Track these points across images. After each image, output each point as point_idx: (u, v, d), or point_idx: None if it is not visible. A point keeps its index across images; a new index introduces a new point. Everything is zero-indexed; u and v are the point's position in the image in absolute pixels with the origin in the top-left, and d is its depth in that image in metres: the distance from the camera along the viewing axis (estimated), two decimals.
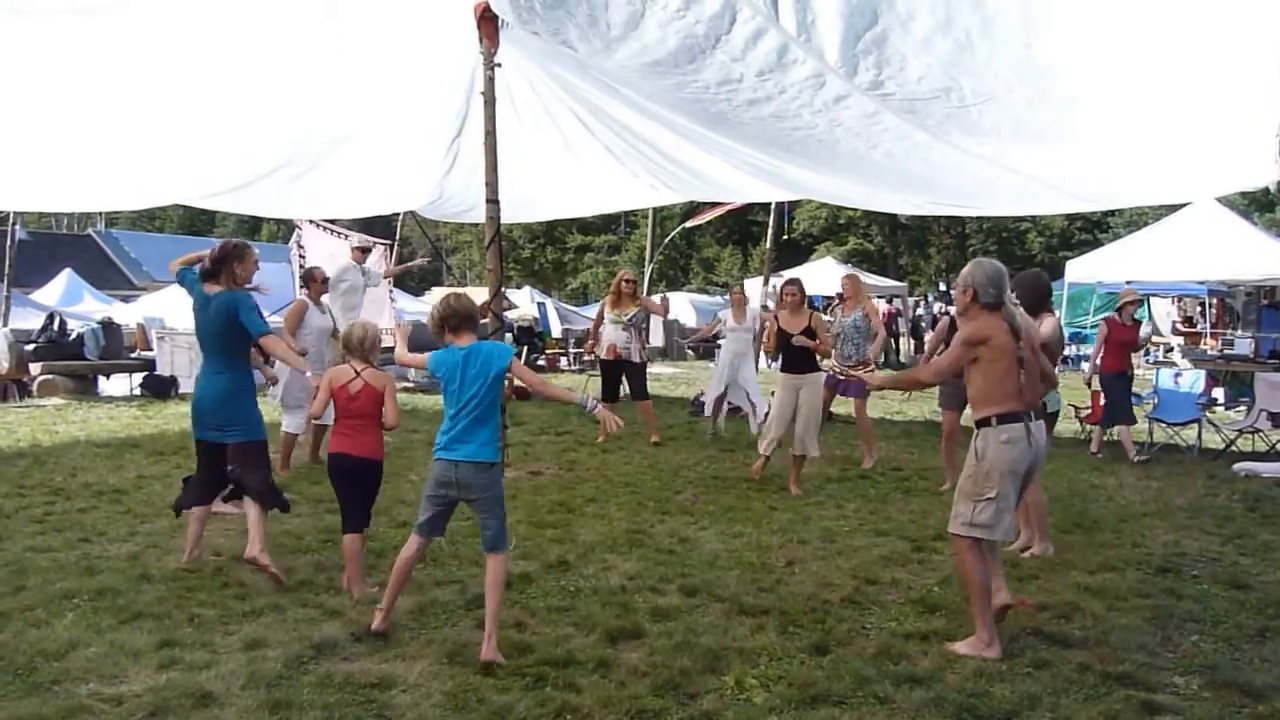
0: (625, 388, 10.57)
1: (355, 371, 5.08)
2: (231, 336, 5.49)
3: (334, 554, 5.75)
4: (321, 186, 11.04)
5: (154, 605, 4.80)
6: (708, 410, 10.88)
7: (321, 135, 9.57)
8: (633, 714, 3.71)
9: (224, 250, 5.61)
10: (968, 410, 4.76)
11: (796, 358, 7.89)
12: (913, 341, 26.86)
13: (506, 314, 20.73)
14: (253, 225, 54.64)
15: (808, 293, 9.04)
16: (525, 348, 20.50)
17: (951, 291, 27.58)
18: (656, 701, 3.81)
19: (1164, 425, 10.66)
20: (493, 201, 8.19)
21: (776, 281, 15.99)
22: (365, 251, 11.18)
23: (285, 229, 20.46)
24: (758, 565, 5.74)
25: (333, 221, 14.59)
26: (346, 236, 14.51)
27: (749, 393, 10.36)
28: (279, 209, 13.48)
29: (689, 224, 27.97)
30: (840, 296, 10.29)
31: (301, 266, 12.94)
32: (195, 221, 55.06)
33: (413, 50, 8.21)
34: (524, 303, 25.49)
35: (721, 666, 4.16)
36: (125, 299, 26.75)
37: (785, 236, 35.63)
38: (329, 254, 13.08)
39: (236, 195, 11.05)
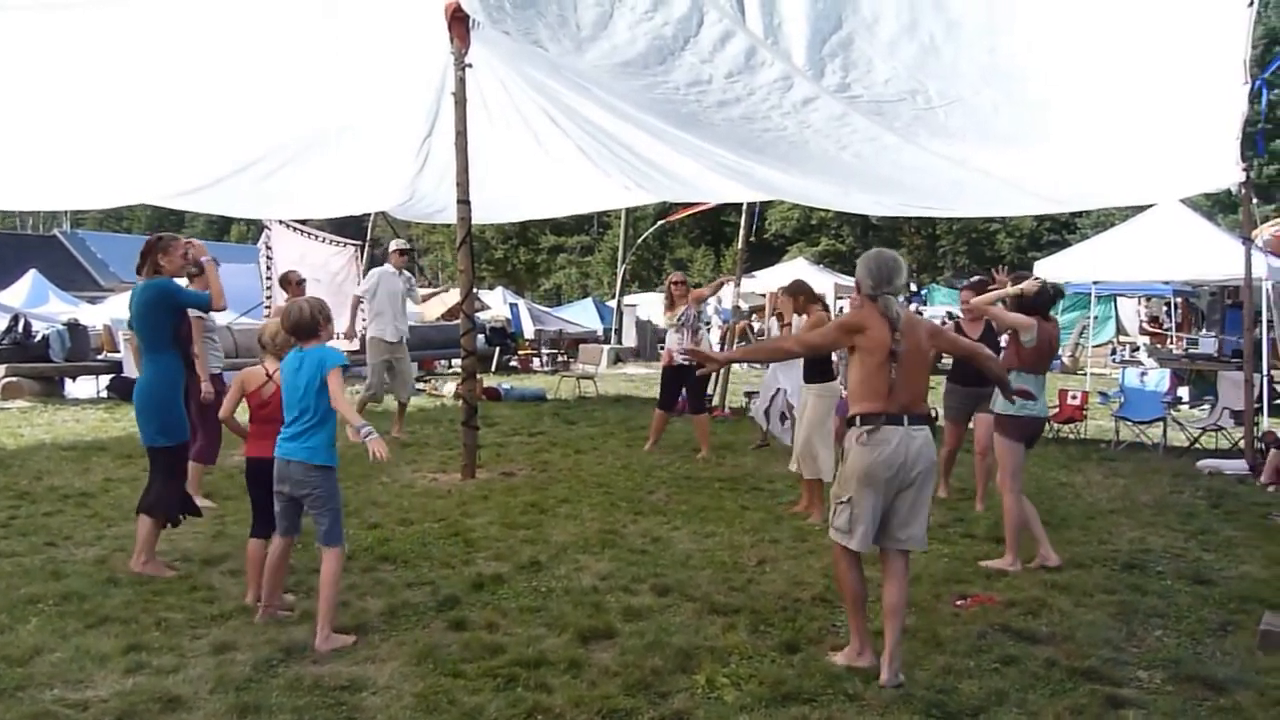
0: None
1: (267, 374, 4.86)
2: (148, 327, 5.40)
3: (302, 557, 5.69)
4: (291, 186, 10.94)
5: (121, 610, 4.75)
6: (759, 419, 9.79)
7: (291, 134, 9.50)
8: (604, 714, 3.72)
9: (147, 243, 5.57)
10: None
11: (807, 364, 7.20)
12: None
13: (479, 314, 20.75)
14: (222, 226, 54.18)
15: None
16: (498, 348, 20.46)
17: (922, 292, 27.59)
18: (628, 701, 3.82)
19: (1130, 424, 10.81)
20: (464, 202, 8.18)
21: (748, 282, 16.05)
22: (405, 254, 10.66)
23: (255, 230, 20.30)
24: (730, 565, 5.76)
25: (303, 222, 14.48)
26: (318, 238, 14.42)
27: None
28: (248, 209, 13.38)
29: (663, 222, 28.03)
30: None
31: (269, 267, 12.83)
32: (164, 222, 54.42)
33: (383, 50, 8.17)
34: (496, 303, 25.40)
35: (693, 665, 4.17)
36: (92, 300, 26.42)
37: (756, 237, 35.77)
38: (299, 254, 12.98)
39: (204, 195, 10.93)
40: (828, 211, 38.60)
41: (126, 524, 6.39)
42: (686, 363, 9.50)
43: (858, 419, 4.09)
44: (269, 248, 13.34)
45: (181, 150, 9.14)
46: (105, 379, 14.90)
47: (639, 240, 31.88)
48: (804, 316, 7.29)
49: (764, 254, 39.33)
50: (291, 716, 3.65)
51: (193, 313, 7.07)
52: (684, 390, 9.95)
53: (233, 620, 4.67)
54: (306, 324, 4.53)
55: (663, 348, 11.16)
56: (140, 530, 5.38)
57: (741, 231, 14.09)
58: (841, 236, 48.05)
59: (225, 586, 5.19)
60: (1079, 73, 5.44)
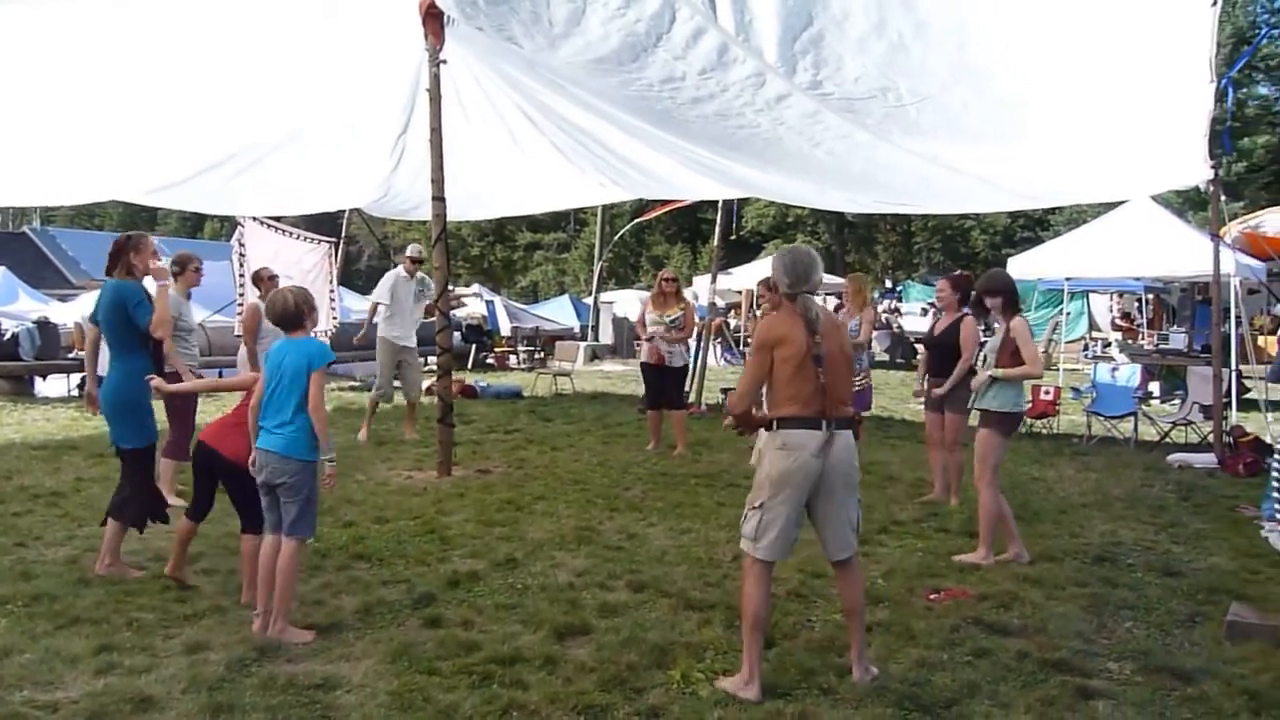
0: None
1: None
2: (116, 329, 5.34)
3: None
4: (264, 183, 10.85)
5: (92, 610, 4.70)
6: None
7: (264, 131, 9.42)
8: (580, 710, 3.73)
9: (117, 243, 5.51)
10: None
11: None
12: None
13: (455, 312, 20.67)
14: (195, 223, 53.65)
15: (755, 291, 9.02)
16: (474, 346, 20.39)
17: (898, 289, 27.75)
18: (603, 697, 3.82)
19: (1102, 419, 10.92)
20: (439, 199, 8.15)
21: (724, 279, 16.08)
22: (417, 262, 10.40)
23: (229, 227, 20.14)
24: (705, 560, 5.78)
25: (277, 219, 14.36)
26: (292, 234, 14.31)
27: None
28: (221, 206, 13.23)
29: (640, 219, 28.02)
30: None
31: (241, 265, 12.72)
32: (136, 219, 53.86)
33: (358, 46, 8.12)
34: (473, 301, 25.30)
35: (668, 661, 4.19)
36: (62, 298, 26.05)
37: (734, 235, 35.86)
38: (272, 251, 12.87)
39: (176, 191, 10.81)
40: (804, 209, 38.69)
41: (98, 524, 6.31)
42: (678, 365, 9.60)
43: (775, 423, 3.92)
44: (242, 245, 13.22)
45: (153, 146, 9.05)
46: (76, 377, 14.72)
47: (615, 237, 31.84)
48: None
49: (741, 251, 39.41)
50: (265, 716, 3.63)
51: (171, 308, 7.03)
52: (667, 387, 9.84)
53: (206, 619, 4.64)
54: (291, 314, 4.56)
55: (638, 344, 11.10)
56: (107, 532, 5.32)
57: (718, 229, 14.10)
58: (818, 234, 48.21)
59: (199, 585, 5.15)
60: (1047, 71, 5.50)
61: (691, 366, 11.73)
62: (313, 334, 4.66)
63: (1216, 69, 5.14)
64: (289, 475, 4.42)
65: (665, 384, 9.72)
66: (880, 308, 29.00)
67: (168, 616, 4.67)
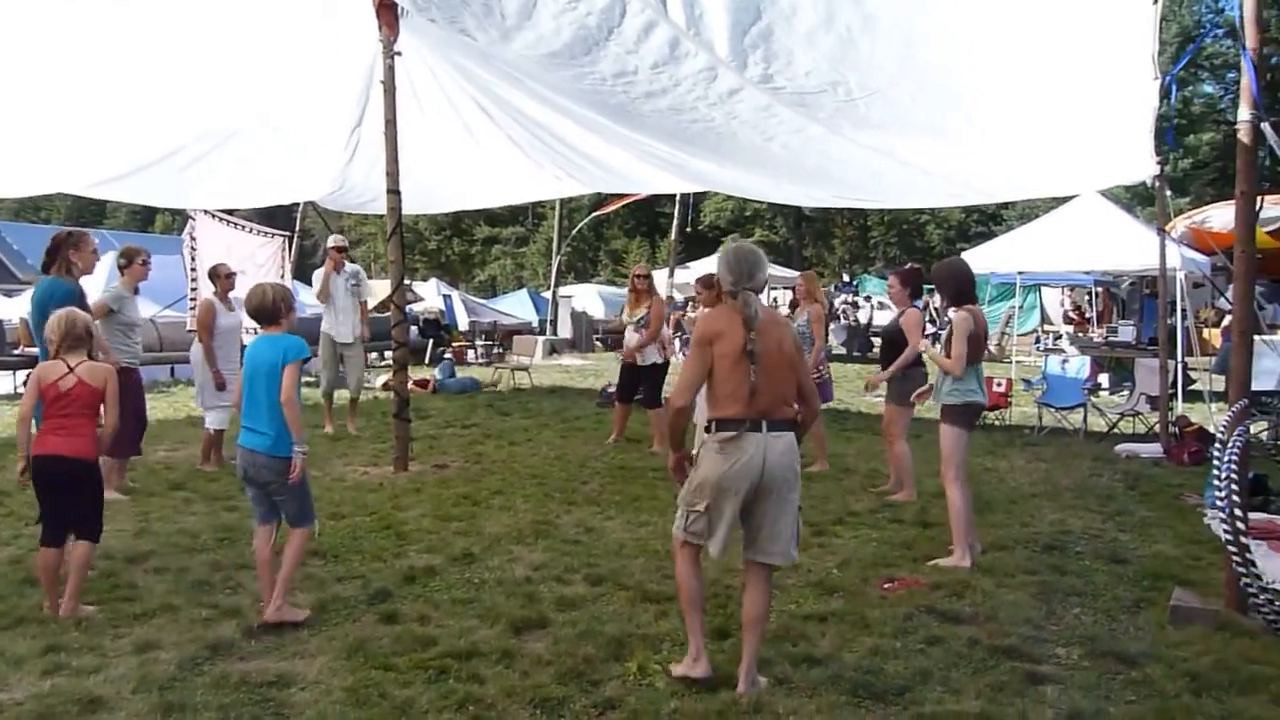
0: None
1: (68, 367, 4.60)
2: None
3: (230, 553, 5.65)
4: (216, 175, 10.68)
5: (38, 610, 4.61)
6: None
7: (215, 122, 9.28)
8: (536, 703, 3.73)
9: (55, 239, 5.39)
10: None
11: None
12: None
13: (411, 306, 20.50)
14: (146, 216, 52.69)
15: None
16: (431, 340, 20.25)
17: (854, 283, 27.94)
18: (560, 690, 3.83)
19: (1053, 410, 11.11)
20: (394, 192, 8.09)
21: (683, 274, 16.14)
22: (343, 251, 10.32)
23: (180, 220, 19.76)
24: (663, 553, 5.77)
25: (230, 212, 14.14)
26: (245, 228, 14.11)
27: None
28: (172, 199, 12.99)
29: (598, 213, 28.00)
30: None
31: (193, 259, 12.52)
32: (84, 212, 52.76)
33: (311, 36, 8.03)
34: (430, 295, 25.12)
35: (625, 653, 4.20)
36: (8, 293, 25.46)
37: (691, 228, 35.93)
38: (225, 246, 12.67)
39: (125, 184, 10.61)
40: (761, 203, 38.91)
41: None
42: (649, 362, 9.53)
43: (713, 424, 3.84)
44: (193, 239, 13.01)
45: (100, 137, 8.87)
46: (23, 374, 14.40)
47: (574, 231, 31.79)
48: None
49: (699, 245, 39.51)
50: (217, 714, 3.59)
51: (108, 302, 6.89)
52: (640, 385, 9.75)
53: (157, 618, 4.58)
54: (268, 309, 4.57)
55: (598, 339, 11.11)
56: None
57: (675, 223, 14.14)
58: (775, 228, 48.52)
59: (149, 584, 5.08)
60: (993, 67, 5.58)
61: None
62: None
63: (1161, 67, 5.25)
64: (276, 474, 4.47)
65: (637, 381, 9.70)
66: (838, 301, 29.24)
67: (117, 616, 4.60)
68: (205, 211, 13.02)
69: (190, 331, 10.22)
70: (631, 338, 9.62)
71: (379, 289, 16.70)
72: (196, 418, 8.90)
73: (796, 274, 30.86)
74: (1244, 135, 4.70)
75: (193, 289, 12.58)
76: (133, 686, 3.80)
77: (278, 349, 4.48)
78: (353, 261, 10.39)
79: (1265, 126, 4.65)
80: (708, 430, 3.88)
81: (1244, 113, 4.70)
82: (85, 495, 4.67)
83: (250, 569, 5.31)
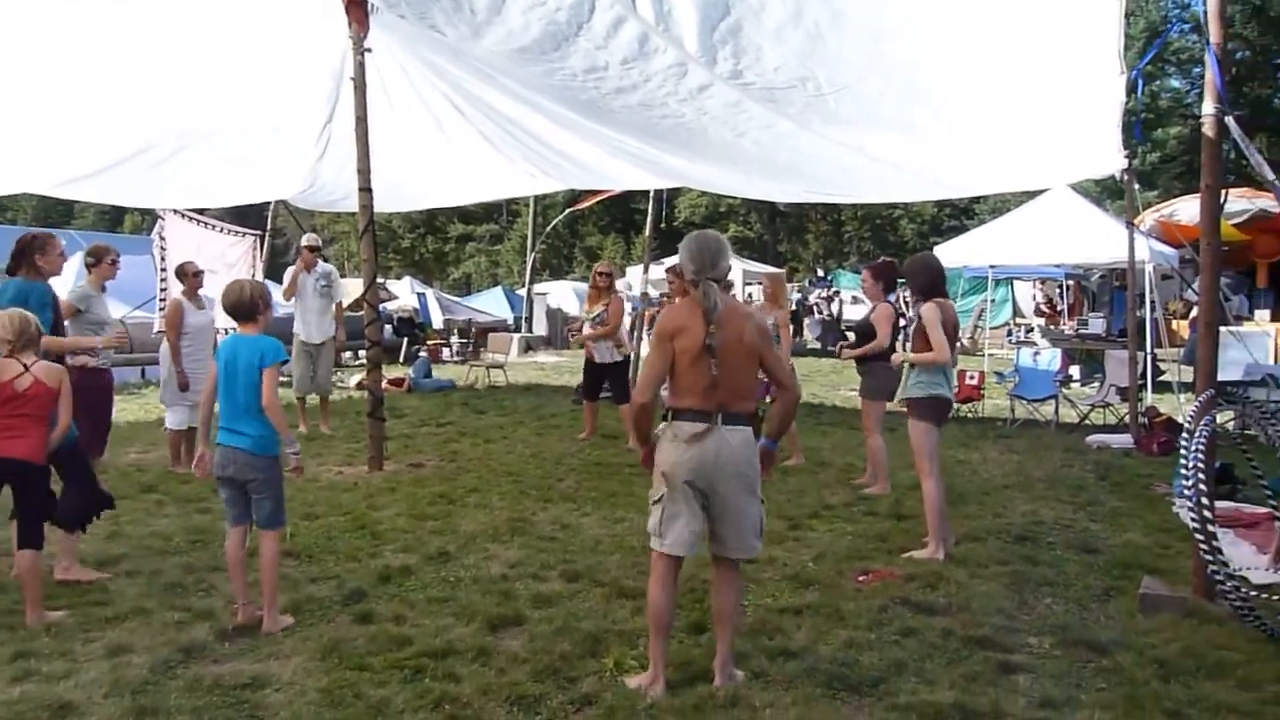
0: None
1: (24, 366, 4.51)
2: None
3: (204, 555, 5.60)
4: (185, 174, 10.58)
5: (6, 615, 4.56)
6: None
7: (184, 120, 9.19)
8: (512, 700, 3.73)
9: (20, 242, 5.33)
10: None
11: None
12: (791, 327, 27.37)
13: (385, 305, 20.38)
14: (114, 216, 52.07)
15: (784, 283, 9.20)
16: (406, 339, 20.15)
17: (828, 277, 28.04)
18: (536, 687, 3.83)
19: (1025, 402, 11.22)
20: (365, 190, 8.05)
21: (657, 270, 16.13)
22: (315, 250, 10.23)
23: (150, 220, 19.52)
24: (639, 549, 5.78)
25: (200, 212, 14.00)
26: (215, 227, 13.97)
27: None
28: (141, 198, 12.85)
29: (572, 210, 27.94)
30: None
31: (163, 259, 12.39)
32: (51, 213, 52.08)
33: (280, 33, 7.97)
34: (404, 293, 25.00)
35: (601, 649, 4.21)
36: None
37: (666, 225, 35.92)
38: (195, 245, 12.53)
39: (92, 183, 10.48)
40: (736, 199, 39.00)
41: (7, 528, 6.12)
42: (608, 360, 9.53)
43: (670, 414, 3.83)
44: (162, 238, 12.87)
45: (66, 136, 8.76)
46: None
47: (548, 228, 31.70)
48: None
49: (674, 241, 39.19)
50: (190, 717, 3.57)
51: (74, 302, 6.81)
52: (605, 382, 9.77)
53: (129, 621, 4.53)
54: (245, 305, 4.54)
55: (573, 336, 11.09)
56: (58, 540, 5.09)
57: (649, 219, 14.13)
58: (750, 224, 48.65)
59: (120, 588, 5.02)
60: (960, 62, 5.61)
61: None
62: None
63: (1128, 62, 5.31)
64: (260, 472, 4.47)
65: (601, 379, 9.70)
66: (813, 296, 29.36)
67: (88, 620, 4.55)
68: (175, 211, 12.88)
69: (159, 332, 10.11)
70: (590, 333, 9.66)
71: (352, 287, 16.60)
72: None
73: (772, 269, 30.95)
74: (1208, 129, 4.76)
75: (162, 289, 12.45)
76: (104, 691, 3.76)
77: (254, 351, 4.45)
78: (326, 261, 10.31)
79: (1229, 120, 4.71)
80: (665, 418, 3.86)
81: (1208, 107, 4.76)
82: (30, 499, 4.59)
83: (223, 571, 5.26)
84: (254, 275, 13.44)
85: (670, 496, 3.78)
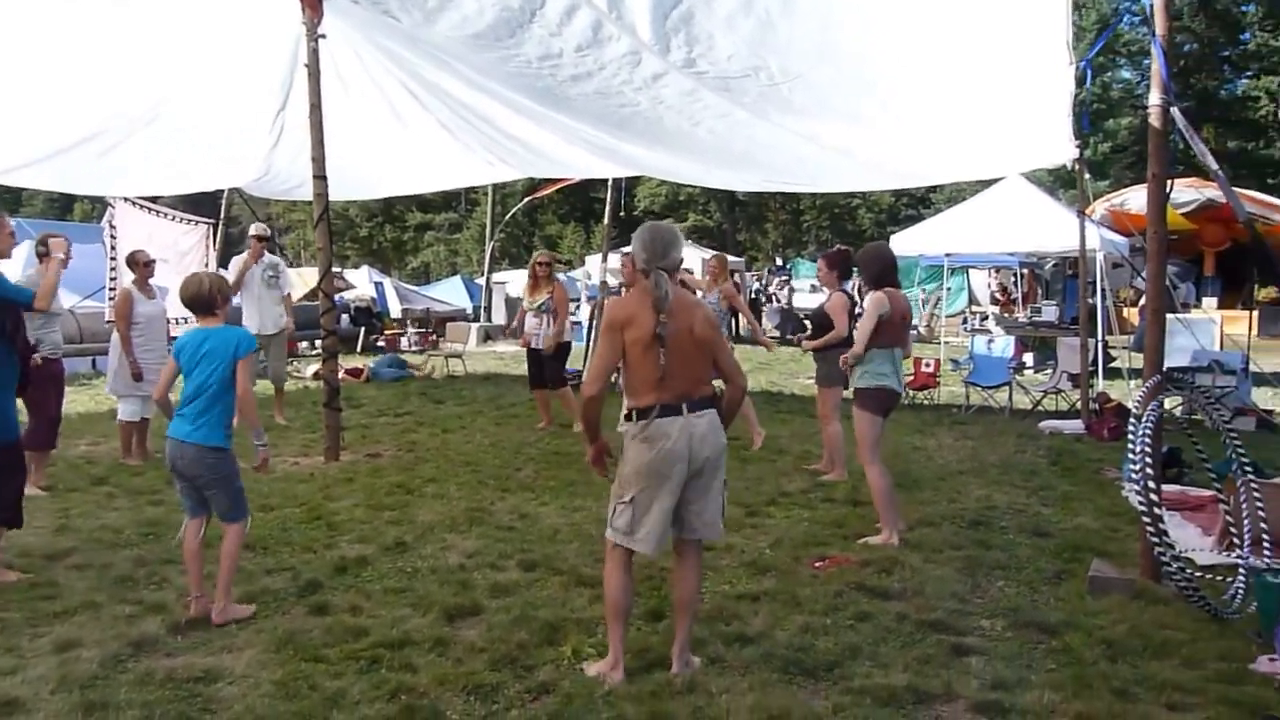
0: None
1: None
2: None
3: (156, 548, 5.52)
4: (135, 161, 10.38)
5: None
6: None
7: (134, 105, 9.01)
8: (469, 690, 3.72)
9: None
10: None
11: None
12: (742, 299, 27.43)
13: (342, 294, 20.17)
14: (64, 204, 51.03)
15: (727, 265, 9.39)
16: (364, 328, 19.97)
17: (787, 266, 28.18)
18: (494, 676, 3.83)
19: (979, 389, 11.36)
20: (320, 177, 7.94)
21: (616, 258, 16.11)
22: (263, 240, 10.08)
23: (100, 208, 19.10)
24: (597, 537, 5.74)
25: (152, 200, 13.74)
26: (167, 215, 13.72)
27: None
28: (90, 186, 12.57)
29: (531, 198, 27.84)
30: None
31: (113, 248, 12.16)
32: None
33: (232, 17, 7.83)
34: (362, 282, 24.75)
35: (559, 638, 4.21)
36: None
37: (626, 213, 35.89)
38: (146, 234, 12.30)
39: (39, 170, 10.22)
40: (695, 188, 39.02)
41: None
42: (542, 347, 9.55)
43: (632, 413, 3.80)
44: (113, 227, 12.63)
45: (10, 121, 8.56)
46: None
47: (507, 217, 31.54)
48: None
49: (634, 229, 39.45)
50: (140, 712, 3.52)
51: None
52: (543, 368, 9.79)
53: (78, 616, 4.46)
54: (204, 298, 4.48)
55: (508, 331, 11.09)
56: None
57: (608, 207, 14.10)
58: (709, 212, 48.71)
59: (70, 582, 4.94)
60: (909, 53, 5.66)
61: (586, 346, 11.75)
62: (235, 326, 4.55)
63: (1079, 53, 5.38)
64: (208, 468, 4.40)
65: (541, 365, 9.73)
66: (773, 285, 29.49)
67: (35, 615, 4.47)
68: (125, 199, 12.64)
69: (109, 322, 9.93)
70: (531, 323, 9.68)
71: (308, 276, 16.40)
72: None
73: (731, 258, 31.04)
74: (1154, 119, 4.85)
75: (112, 278, 12.22)
76: (52, 687, 3.70)
77: (227, 342, 4.41)
78: (274, 252, 10.19)
79: (1175, 111, 4.80)
80: (628, 419, 3.84)
81: (1154, 97, 4.84)
82: None
83: (176, 564, 5.21)
84: (207, 264, 13.25)
85: (644, 495, 3.75)
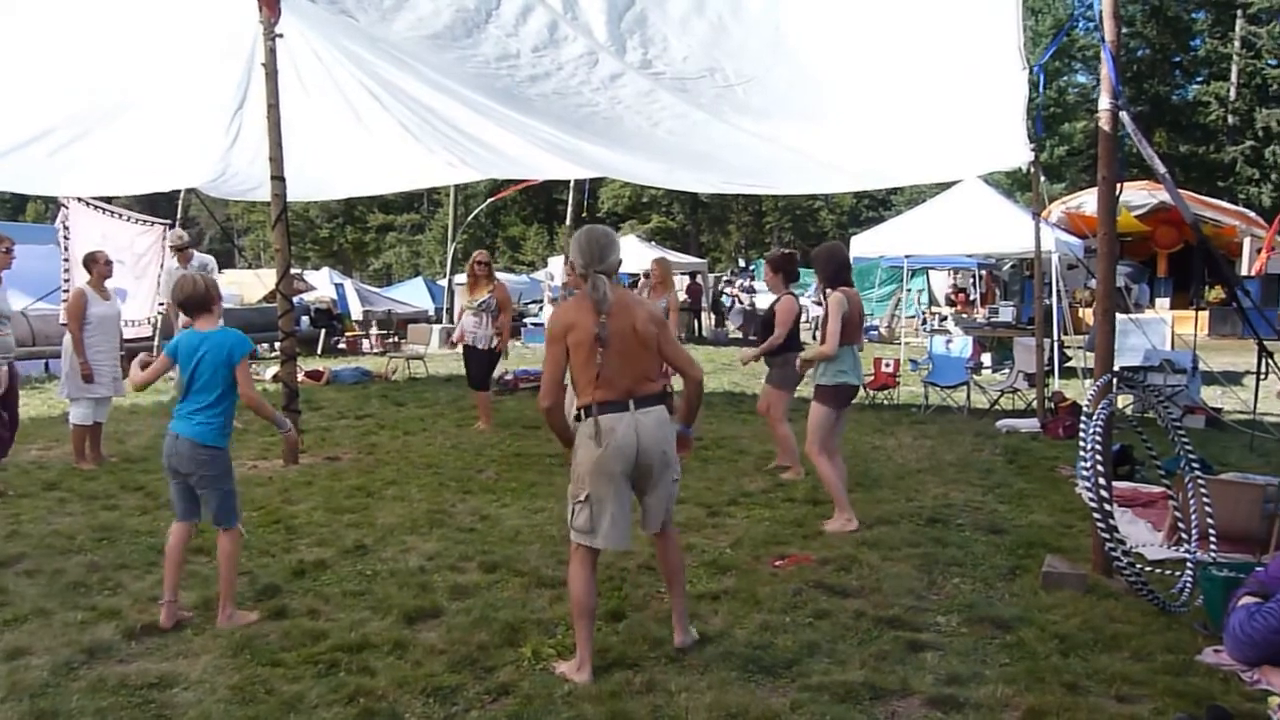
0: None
1: None
2: None
3: (109, 553, 5.45)
4: (89, 160, 10.22)
5: None
6: None
7: (87, 104, 8.87)
8: (429, 692, 3.71)
9: None
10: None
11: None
12: (714, 317, 27.63)
13: (302, 296, 19.97)
14: (16, 204, 50.05)
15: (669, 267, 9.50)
16: (324, 330, 19.80)
17: (750, 267, 28.37)
18: (453, 678, 3.82)
19: (938, 388, 11.49)
20: (278, 178, 7.88)
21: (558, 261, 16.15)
22: (182, 250, 9.98)
23: (55, 208, 18.77)
24: (558, 538, 5.80)
25: (108, 200, 13.54)
26: (122, 216, 13.54)
27: None
28: (40, 185, 12.38)
29: (493, 199, 27.75)
30: (647, 276, 10.11)
31: (66, 249, 11.97)
32: None
33: (188, 14, 7.74)
34: (322, 284, 24.53)
35: (519, 639, 4.21)
36: None
37: (589, 214, 35.89)
38: (100, 234, 12.16)
39: None
40: (659, 189, 39.08)
41: None
42: (487, 347, 9.66)
43: (580, 413, 3.86)
44: (66, 227, 12.44)
45: None
46: None
47: (469, 218, 31.40)
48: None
49: None
50: (93, 719, 3.47)
51: None
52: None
53: (28, 623, 4.38)
54: (200, 297, 4.47)
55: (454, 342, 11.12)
56: None
57: (570, 209, 14.11)
58: (672, 214, 48.83)
59: (20, 588, 4.85)
60: (862, 57, 5.72)
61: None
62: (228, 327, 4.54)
63: (1035, 58, 5.48)
64: (203, 466, 4.37)
65: (476, 365, 9.84)
66: (735, 286, 29.64)
67: None
68: (79, 199, 12.45)
69: (63, 325, 9.77)
70: (469, 321, 9.76)
71: (267, 278, 16.21)
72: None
73: (694, 260, 31.09)
74: (1104, 123, 4.94)
75: (65, 280, 12.03)
76: (1, 695, 3.64)
77: (223, 345, 4.40)
78: (187, 261, 10.04)
79: (1124, 115, 4.90)
80: (576, 419, 3.89)
81: (1104, 102, 4.94)
82: None
83: (130, 569, 5.16)
84: (163, 265, 13.08)
85: (597, 492, 3.81)
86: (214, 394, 4.39)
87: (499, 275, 28.22)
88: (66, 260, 11.96)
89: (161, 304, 12.78)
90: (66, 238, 12.21)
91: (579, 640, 3.90)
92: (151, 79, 8.75)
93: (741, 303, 26.83)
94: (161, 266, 13.23)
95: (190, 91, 9.21)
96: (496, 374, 10.86)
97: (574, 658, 3.91)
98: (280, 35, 7.71)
